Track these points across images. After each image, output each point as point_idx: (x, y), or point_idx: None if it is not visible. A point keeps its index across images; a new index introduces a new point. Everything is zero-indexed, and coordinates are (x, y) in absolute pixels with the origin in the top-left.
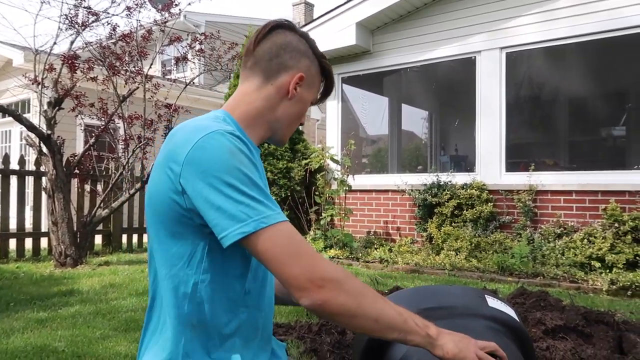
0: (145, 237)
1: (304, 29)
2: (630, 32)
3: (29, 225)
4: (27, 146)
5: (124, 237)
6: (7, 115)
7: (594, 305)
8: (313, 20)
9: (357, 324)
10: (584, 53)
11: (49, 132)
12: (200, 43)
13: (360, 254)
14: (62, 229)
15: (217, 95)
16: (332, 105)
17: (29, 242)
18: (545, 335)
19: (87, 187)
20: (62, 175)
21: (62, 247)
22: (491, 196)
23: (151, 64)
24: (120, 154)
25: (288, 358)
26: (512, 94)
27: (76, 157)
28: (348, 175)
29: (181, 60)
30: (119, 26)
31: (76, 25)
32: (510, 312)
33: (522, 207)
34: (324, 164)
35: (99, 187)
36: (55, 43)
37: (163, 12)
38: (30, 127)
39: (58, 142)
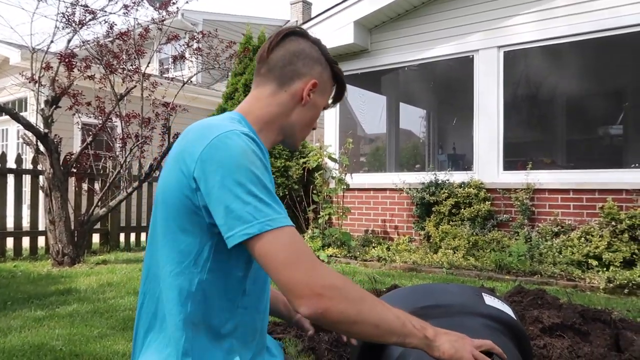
0: (143, 236)
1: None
2: (626, 31)
3: (26, 224)
4: (24, 145)
5: (122, 236)
6: (4, 113)
7: (591, 303)
8: (311, 19)
9: (357, 330)
10: (581, 52)
11: (46, 130)
12: (198, 41)
13: (358, 253)
14: (60, 227)
15: (215, 94)
16: None
17: (26, 241)
18: (543, 333)
19: (85, 186)
20: (59, 173)
21: (59, 245)
22: (489, 195)
23: (149, 63)
24: (117, 153)
25: (285, 357)
26: (510, 93)
27: (73, 156)
28: (346, 173)
29: (179, 58)
30: (116, 24)
31: (73, 24)
32: (508, 310)
33: (519, 205)
34: (322, 163)
35: (97, 186)
36: (52, 41)
37: (160, 10)
38: (28, 125)
39: (55, 140)
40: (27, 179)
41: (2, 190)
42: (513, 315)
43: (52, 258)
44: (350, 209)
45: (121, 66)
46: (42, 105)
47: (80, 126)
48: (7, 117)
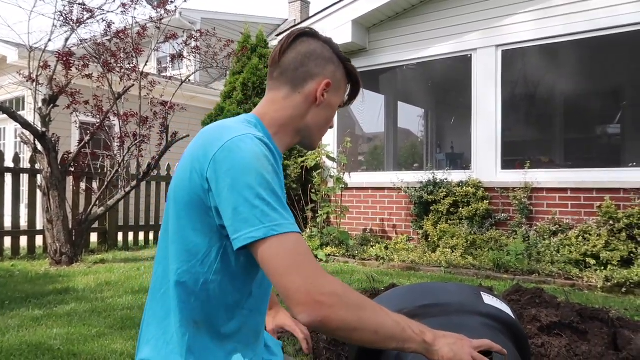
0: (141, 235)
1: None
2: (624, 31)
3: (24, 223)
4: (22, 144)
5: (120, 235)
6: (1, 112)
7: (588, 302)
8: (309, 18)
9: (357, 336)
10: (579, 51)
11: (44, 129)
12: (196, 40)
13: (356, 252)
14: (58, 226)
15: (213, 93)
16: None
17: (24, 240)
18: (541, 332)
19: (83, 185)
20: (57, 172)
21: (57, 245)
22: (487, 194)
23: (147, 62)
24: (115, 152)
25: (284, 356)
26: (508, 92)
27: (71, 155)
28: (344, 173)
29: (177, 57)
30: (114, 23)
31: (71, 22)
32: (506, 309)
33: (517, 204)
34: (320, 162)
35: (95, 185)
36: (49, 40)
37: (158, 9)
38: (25, 124)
39: (53, 139)
40: (24, 178)
41: (0, 190)
42: (512, 314)
43: (50, 257)
44: (348, 208)
45: (119, 65)
46: (40, 104)
47: (78, 125)
48: (5, 116)
